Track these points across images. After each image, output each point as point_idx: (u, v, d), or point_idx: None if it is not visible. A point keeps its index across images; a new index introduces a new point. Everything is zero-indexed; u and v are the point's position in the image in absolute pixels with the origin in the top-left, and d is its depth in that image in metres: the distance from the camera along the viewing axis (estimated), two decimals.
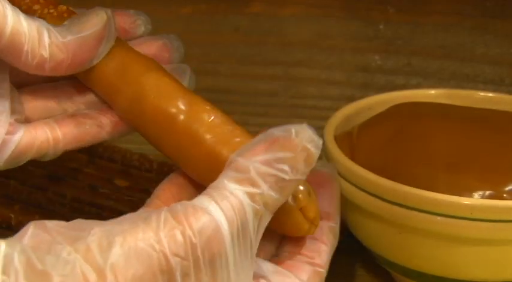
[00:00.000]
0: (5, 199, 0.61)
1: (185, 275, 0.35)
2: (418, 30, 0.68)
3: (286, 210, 0.41)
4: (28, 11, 0.44)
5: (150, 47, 0.48)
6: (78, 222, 0.35)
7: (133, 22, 0.49)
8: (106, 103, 0.46)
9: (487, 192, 0.49)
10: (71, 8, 0.45)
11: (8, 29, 0.40)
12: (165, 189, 0.44)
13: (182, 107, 0.43)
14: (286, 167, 0.38)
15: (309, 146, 0.39)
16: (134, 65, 0.44)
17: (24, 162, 0.44)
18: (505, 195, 0.49)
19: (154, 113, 0.43)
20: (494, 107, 0.57)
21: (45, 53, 0.41)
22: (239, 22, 0.63)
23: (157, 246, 0.34)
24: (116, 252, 0.33)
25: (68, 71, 0.43)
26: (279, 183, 0.38)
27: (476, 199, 0.49)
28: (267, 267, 0.40)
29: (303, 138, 0.38)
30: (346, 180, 0.50)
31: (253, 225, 0.37)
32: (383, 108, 0.57)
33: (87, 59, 0.43)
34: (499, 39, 0.70)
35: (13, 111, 0.44)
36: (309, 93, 0.69)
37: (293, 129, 0.38)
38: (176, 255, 0.34)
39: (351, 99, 0.59)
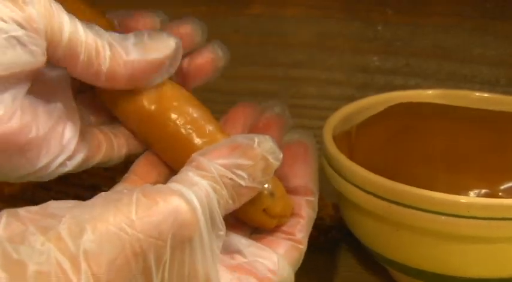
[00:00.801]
0: (9, 198, 0.61)
1: (160, 255, 0.35)
2: (417, 31, 0.68)
3: (249, 212, 0.42)
4: None
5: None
6: (50, 207, 0.35)
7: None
8: None
9: (484, 191, 0.49)
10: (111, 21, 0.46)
11: (66, 35, 0.39)
12: (141, 164, 0.45)
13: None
14: (244, 174, 0.39)
15: (269, 157, 0.40)
16: None
17: (91, 166, 0.45)
18: (501, 193, 0.49)
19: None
20: (490, 107, 0.57)
21: (104, 66, 0.40)
22: (239, 23, 0.64)
23: (128, 230, 0.34)
24: (88, 239, 0.33)
25: (122, 87, 0.42)
26: (235, 188, 0.39)
27: (473, 197, 0.49)
28: (242, 242, 0.41)
29: (264, 148, 0.40)
30: (344, 179, 0.50)
31: (218, 213, 0.38)
32: (382, 108, 0.57)
33: (143, 81, 0.42)
34: (498, 41, 0.70)
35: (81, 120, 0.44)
36: (309, 94, 0.69)
37: (256, 138, 0.40)
38: (149, 236, 0.34)
39: (351, 99, 0.59)
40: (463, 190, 0.49)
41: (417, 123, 0.54)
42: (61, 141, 0.42)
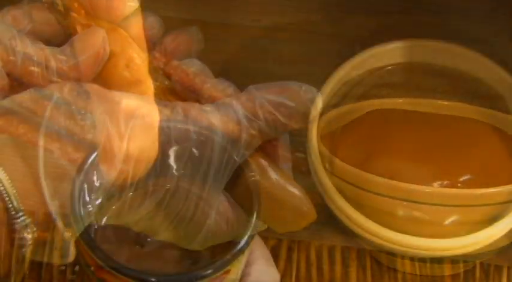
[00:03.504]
0: None
1: (179, 155, 0.37)
2: None
3: None
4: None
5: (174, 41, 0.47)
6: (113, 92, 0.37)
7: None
8: None
9: (446, 182, 0.50)
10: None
11: (19, 58, 0.39)
12: None
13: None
14: (285, 112, 0.40)
15: (310, 105, 0.41)
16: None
17: None
18: (459, 184, 0.50)
19: None
20: (449, 113, 0.57)
21: (54, 77, 0.40)
22: (243, 42, 0.64)
23: (166, 126, 0.36)
24: (134, 123, 0.35)
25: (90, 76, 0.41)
26: (275, 123, 0.40)
27: (435, 188, 0.50)
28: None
29: (308, 97, 0.41)
30: (329, 171, 0.51)
31: (245, 140, 0.39)
32: (360, 114, 0.57)
33: (91, 74, 0.41)
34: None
35: None
36: None
37: (303, 87, 0.41)
38: (176, 141, 0.36)
39: (334, 106, 0.58)
40: (428, 181, 0.50)
41: (390, 126, 0.55)
42: None
